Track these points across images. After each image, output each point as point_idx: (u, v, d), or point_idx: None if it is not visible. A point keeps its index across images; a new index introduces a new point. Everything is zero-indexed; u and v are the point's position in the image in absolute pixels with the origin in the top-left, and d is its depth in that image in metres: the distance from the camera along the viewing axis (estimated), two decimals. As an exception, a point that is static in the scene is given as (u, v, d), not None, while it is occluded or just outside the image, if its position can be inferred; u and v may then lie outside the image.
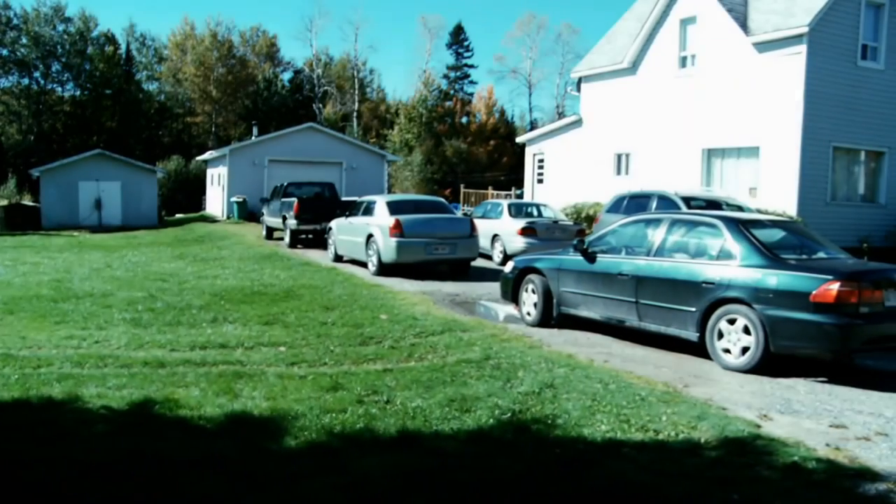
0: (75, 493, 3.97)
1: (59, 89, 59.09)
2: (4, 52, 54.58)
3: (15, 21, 55.00)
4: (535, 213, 17.51)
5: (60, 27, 57.42)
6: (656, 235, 8.12)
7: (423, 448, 4.65)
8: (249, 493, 3.96)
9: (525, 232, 15.68)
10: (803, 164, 16.40)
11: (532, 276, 9.33)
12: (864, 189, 18.23)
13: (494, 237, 16.65)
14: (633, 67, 20.71)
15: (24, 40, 55.39)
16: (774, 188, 16.78)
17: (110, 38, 62.00)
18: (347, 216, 15.84)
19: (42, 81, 57.25)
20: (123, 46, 62.55)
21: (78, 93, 58.88)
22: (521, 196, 28.78)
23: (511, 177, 46.73)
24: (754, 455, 4.61)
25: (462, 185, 37.94)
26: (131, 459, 4.44)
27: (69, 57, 57.00)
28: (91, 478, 4.15)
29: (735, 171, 18.20)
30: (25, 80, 56.54)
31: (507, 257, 15.37)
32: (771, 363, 6.94)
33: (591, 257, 8.59)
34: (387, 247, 13.53)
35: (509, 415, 5.35)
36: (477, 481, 4.03)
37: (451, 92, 65.77)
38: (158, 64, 64.62)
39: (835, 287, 6.50)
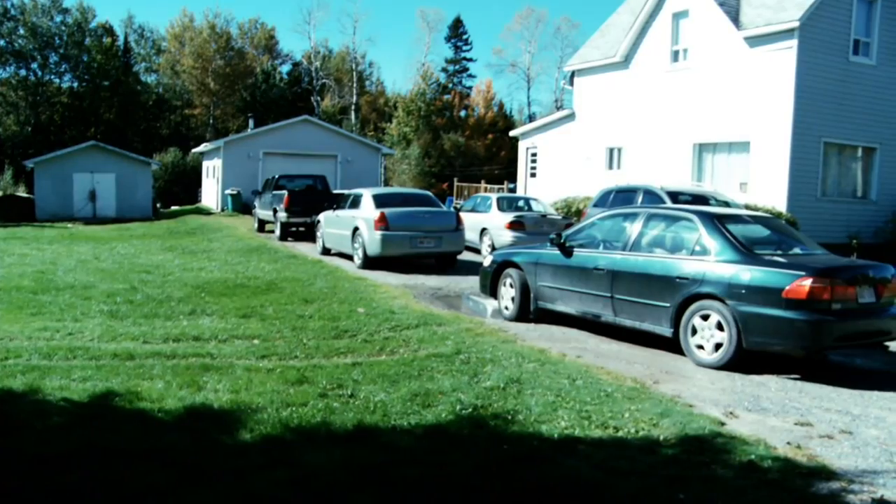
0: (20, 484, 3.93)
1: (57, 80, 58.93)
2: (2, 42, 54.38)
3: (12, 12, 54.80)
4: (525, 206, 17.45)
5: (58, 18, 57.23)
6: (633, 230, 8.06)
7: (377, 443, 4.60)
8: (194, 486, 3.91)
9: (513, 226, 15.62)
10: (793, 159, 16.32)
11: (510, 271, 9.28)
12: (854, 185, 18.15)
13: (483, 231, 16.59)
14: (626, 61, 20.61)
15: (21, 31, 55.21)
16: (764, 183, 16.70)
17: (108, 30, 61.83)
18: (335, 209, 15.78)
19: (39, 73, 57.08)
20: (121, 38, 62.40)
21: (76, 84, 58.70)
22: (513, 190, 28.72)
23: (509, 170, 46.63)
24: (711, 453, 4.56)
25: (455, 179, 37.87)
26: (81, 452, 4.39)
27: (67, 48, 56.81)
28: (38, 470, 4.11)
29: (726, 166, 18.11)
30: (23, 72, 56.37)
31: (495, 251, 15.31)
32: (744, 360, 6.89)
33: (567, 251, 8.53)
34: (372, 240, 13.47)
35: (470, 410, 5.30)
36: (424, 477, 3.99)
37: (450, 86, 65.56)
38: (157, 56, 64.46)
39: (807, 283, 6.45)
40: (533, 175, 25.17)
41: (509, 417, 5.14)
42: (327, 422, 5.01)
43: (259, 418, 5.06)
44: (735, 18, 17.39)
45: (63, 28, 57.28)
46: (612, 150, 21.44)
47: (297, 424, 4.96)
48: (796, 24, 15.82)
